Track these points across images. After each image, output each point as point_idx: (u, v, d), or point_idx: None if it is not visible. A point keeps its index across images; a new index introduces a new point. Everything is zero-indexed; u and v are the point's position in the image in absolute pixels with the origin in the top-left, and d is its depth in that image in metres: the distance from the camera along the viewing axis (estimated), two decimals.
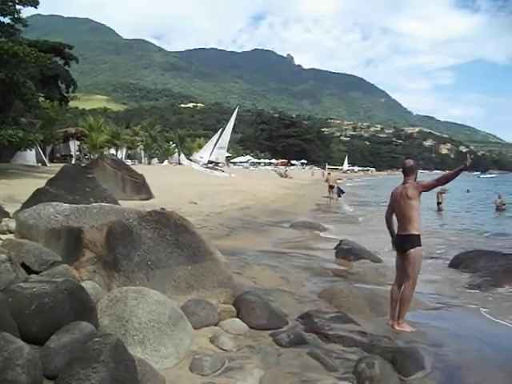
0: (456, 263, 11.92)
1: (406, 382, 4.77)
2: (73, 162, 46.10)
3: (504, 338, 6.66)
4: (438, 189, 22.61)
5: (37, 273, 4.98)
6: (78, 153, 56.53)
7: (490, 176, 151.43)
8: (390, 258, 9.66)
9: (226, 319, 5.59)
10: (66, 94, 43.17)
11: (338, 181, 41.78)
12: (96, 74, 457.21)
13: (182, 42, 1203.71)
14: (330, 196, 33.92)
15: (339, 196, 34.82)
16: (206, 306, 5.51)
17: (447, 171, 7.17)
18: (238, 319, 5.64)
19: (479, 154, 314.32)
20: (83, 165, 21.16)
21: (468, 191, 52.40)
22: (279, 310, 6.19)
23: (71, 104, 50.24)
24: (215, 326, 5.42)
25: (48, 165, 39.49)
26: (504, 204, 32.34)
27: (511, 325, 7.23)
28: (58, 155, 53.47)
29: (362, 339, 5.53)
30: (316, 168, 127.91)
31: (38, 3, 30.80)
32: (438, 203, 30.01)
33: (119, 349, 3.38)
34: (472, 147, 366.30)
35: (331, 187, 34.02)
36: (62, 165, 16.83)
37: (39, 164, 38.69)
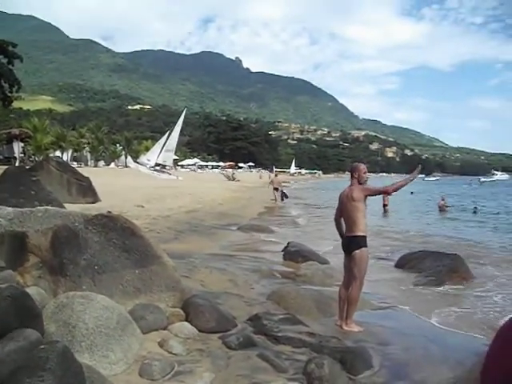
0: (402, 264, 12.14)
1: (355, 380, 4.84)
2: (17, 164, 44.94)
3: (448, 335, 6.84)
4: None
5: None
6: (22, 155, 55.37)
7: (434, 179, 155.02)
8: (336, 259, 9.78)
9: (175, 323, 5.54)
10: (9, 94, 42.24)
11: (283, 183, 41.96)
12: (41, 73, 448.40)
13: (129, 43, 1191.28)
14: (275, 198, 34.05)
15: (282, 200, 34.88)
16: (154, 310, 5.45)
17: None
18: (186, 323, 5.60)
19: (423, 157, 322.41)
20: (27, 167, 20.62)
21: (412, 193, 53.55)
22: (228, 313, 6.18)
23: (15, 104, 49.28)
24: (164, 330, 5.37)
25: None
26: (447, 206, 33.32)
27: (434, 323, 7.51)
28: (0, 157, 52.24)
29: (310, 340, 5.58)
30: (264, 171, 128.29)
31: None
32: (384, 205, 30.55)
33: (66, 356, 3.32)
34: (417, 151, 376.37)
35: (275, 189, 34.18)
36: (5, 167, 16.40)
37: None
